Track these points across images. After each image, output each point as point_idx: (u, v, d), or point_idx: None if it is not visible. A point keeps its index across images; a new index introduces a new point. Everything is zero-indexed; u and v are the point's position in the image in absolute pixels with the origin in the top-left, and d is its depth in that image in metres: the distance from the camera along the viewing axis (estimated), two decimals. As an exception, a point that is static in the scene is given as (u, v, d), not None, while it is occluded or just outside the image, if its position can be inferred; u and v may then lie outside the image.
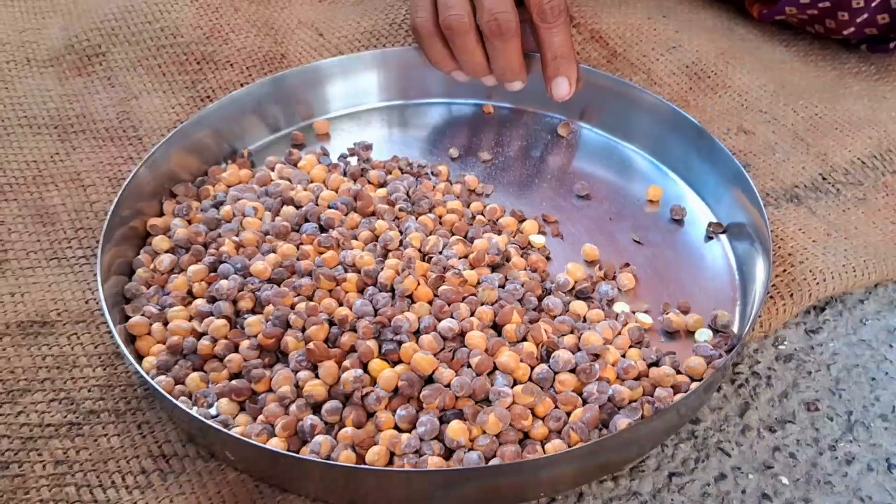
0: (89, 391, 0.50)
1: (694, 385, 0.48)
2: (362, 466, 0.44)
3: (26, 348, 0.52)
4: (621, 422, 0.46)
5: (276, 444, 0.45)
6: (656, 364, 0.50)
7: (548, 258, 0.56)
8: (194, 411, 0.46)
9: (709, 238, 0.57)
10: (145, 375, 0.46)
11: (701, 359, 0.49)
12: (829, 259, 0.56)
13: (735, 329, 0.52)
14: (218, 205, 0.58)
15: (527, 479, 0.44)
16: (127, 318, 0.51)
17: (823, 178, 0.62)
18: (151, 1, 0.73)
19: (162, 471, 0.46)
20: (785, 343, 0.54)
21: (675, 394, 0.48)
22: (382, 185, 0.60)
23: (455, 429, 0.45)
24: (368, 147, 0.63)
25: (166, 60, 0.69)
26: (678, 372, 0.49)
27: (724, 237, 0.57)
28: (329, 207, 0.57)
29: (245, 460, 0.45)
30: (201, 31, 0.71)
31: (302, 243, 0.54)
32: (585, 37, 0.72)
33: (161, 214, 0.58)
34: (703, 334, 0.51)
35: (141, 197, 0.56)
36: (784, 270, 0.55)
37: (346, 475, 0.43)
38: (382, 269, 0.52)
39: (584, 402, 0.47)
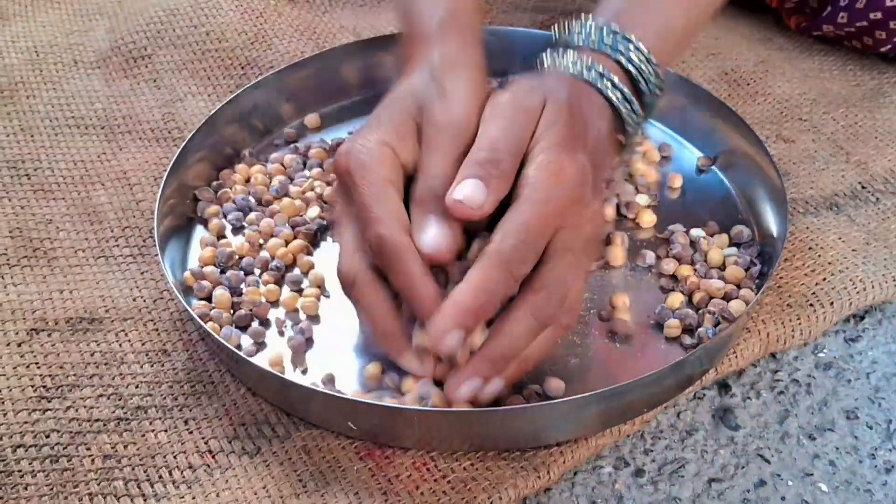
0: (137, 387, 0.51)
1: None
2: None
3: (75, 344, 0.53)
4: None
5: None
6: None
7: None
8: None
9: (700, 171, 0.61)
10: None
11: (738, 267, 0.54)
12: (869, 268, 0.56)
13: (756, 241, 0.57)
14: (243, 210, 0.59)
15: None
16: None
17: (863, 187, 0.62)
18: (197, 5, 0.74)
19: (208, 466, 0.47)
20: (824, 351, 0.54)
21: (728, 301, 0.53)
22: None
23: None
24: None
25: (211, 64, 0.70)
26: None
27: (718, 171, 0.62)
28: None
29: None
30: (246, 36, 0.72)
31: None
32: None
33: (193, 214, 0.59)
34: (730, 251, 0.56)
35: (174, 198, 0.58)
36: (824, 279, 0.55)
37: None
38: None
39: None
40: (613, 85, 0.49)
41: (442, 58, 0.49)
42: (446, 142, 0.46)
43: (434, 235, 0.44)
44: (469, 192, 0.43)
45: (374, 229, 0.44)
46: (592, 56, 0.50)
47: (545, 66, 0.51)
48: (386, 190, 0.45)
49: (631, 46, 0.50)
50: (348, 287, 0.46)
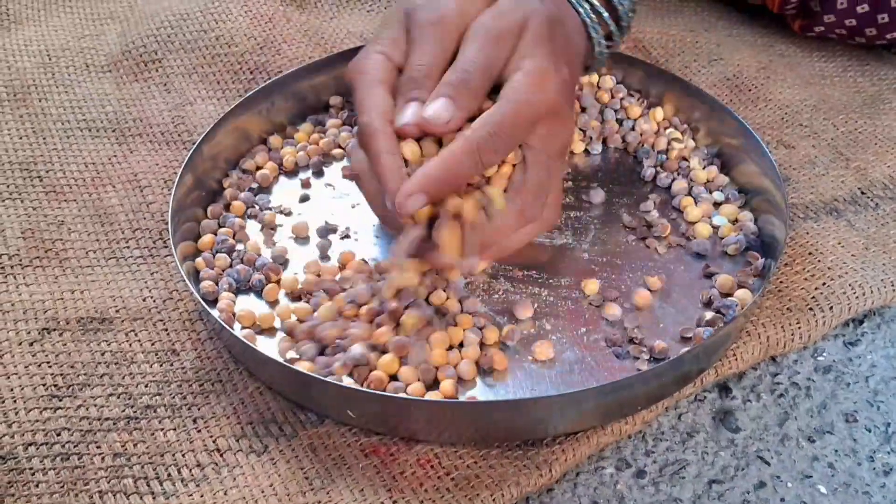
0: (146, 386, 0.52)
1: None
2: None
3: (86, 344, 0.54)
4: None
5: None
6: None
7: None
8: None
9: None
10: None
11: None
12: (868, 273, 0.56)
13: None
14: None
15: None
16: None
17: (862, 193, 0.62)
18: (207, 10, 0.75)
19: (216, 464, 0.48)
20: (824, 354, 0.55)
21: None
22: None
23: None
24: None
25: (220, 69, 0.71)
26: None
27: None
28: None
29: None
30: (255, 41, 0.73)
31: None
32: (628, 45, 0.73)
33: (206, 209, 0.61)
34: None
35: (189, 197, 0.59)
36: (823, 283, 0.56)
37: None
38: None
39: None
40: (592, 8, 0.55)
41: None
42: (426, 38, 0.50)
43: (406, 115, 0.48)
44: (434, 111, 0.48)
45: (360, 118, 0.50)
46: None
47: None
48: (373, 88, 0.50)
49: None
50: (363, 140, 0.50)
